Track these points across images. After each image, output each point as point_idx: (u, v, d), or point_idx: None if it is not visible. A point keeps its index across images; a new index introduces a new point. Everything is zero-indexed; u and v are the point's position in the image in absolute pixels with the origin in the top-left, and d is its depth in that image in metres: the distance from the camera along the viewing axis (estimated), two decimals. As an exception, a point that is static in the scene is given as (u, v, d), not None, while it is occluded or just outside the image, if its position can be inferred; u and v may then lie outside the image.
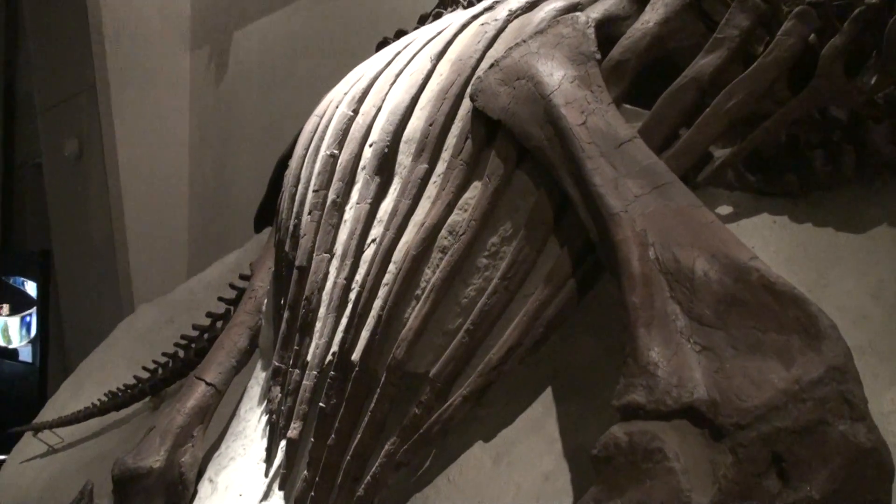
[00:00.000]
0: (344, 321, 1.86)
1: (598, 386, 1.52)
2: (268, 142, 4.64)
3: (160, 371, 3.31)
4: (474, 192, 1.71)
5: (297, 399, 1.96)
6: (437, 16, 2.55)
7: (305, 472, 1.85)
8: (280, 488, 1.98)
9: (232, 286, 3.14)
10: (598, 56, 1.62)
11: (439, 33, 2.11)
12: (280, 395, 2.10)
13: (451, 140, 1.80)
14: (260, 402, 2.33)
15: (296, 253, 2.16)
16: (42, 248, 6.67)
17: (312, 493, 1.81)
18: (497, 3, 2.03)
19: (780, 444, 1.06)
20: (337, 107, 2.28)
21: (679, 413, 1.15)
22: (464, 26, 2.03)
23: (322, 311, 1.97)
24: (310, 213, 2.13)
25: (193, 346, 3.21)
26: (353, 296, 1.87)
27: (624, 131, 1.48)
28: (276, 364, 2.16)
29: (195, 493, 2.25)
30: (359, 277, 1.87)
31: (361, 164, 2.04)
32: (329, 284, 1.98)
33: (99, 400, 3.44)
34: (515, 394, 1.62)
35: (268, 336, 2.47)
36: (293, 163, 2.40)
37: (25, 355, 6.32)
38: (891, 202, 1.48)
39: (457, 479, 1.62)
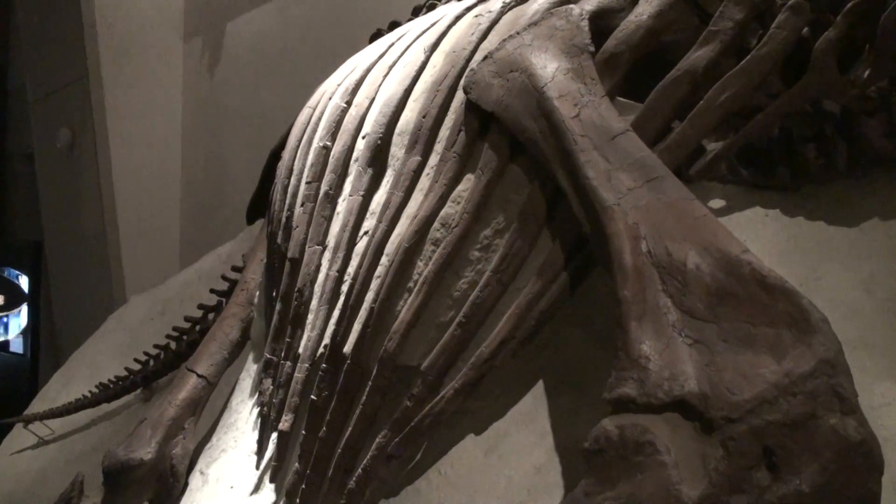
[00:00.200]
0: (336, 313, 1.86)
1: (590, 379, 1.52)
2: (260, 133, 4.63)
3: (152, 363, 3.30)
4: (467, 184, 1.70)
5: (289, 391, 1.96)
6: (431, 7, 2.54)
7: (297, 464, 1.85)
8: (271, 480, 1.98)
9: (224, 278, 3.13)
10: (592, 48, 1.62)
11: (433, 25, 2.10)
12: (272, 387, 2.10)
13: (445, 132, 1.80)
14: (251, 395, 2.33)
15: (288, 245, 2.15)
16: (34, 239, 6.64)
17: (303, 486, 1.81)
18: (491, -6, 2.02)
19: (771, 438, 1.06)
20: (330, 98, 2.27)
21: (670, 406, 1.15)
22: (458, 18, 2.03)
23: (314, 303, 1.97)
24: (302, 205, 2.13)
25: (185, 337, 3.20)
26: (345, 288, 1.86)
27: (617, 124, 1.48)
28: (268, 356, 2.16)
29: (186, 485, 2.25)
30: (351, 270, 1.87)
31: (354, 155, 2.03)
32: (321, 276, 1.97)
33: (90, 391, 3.44)
34: (507, 387, 1.62)
35: (260, 328, 2.46)
36: (286, 154, 2.40)
37: (17, 346, 6.31)
38: (883, 196, 1.49)
39: (448, 472, 1.62)
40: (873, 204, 1.49)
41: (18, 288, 6.36)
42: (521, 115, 1.61)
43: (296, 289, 2.04)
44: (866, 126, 1.47)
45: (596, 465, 1.16)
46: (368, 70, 2.20)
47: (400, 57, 2.10)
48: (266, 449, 2.06)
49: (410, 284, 1.71)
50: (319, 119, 2.25)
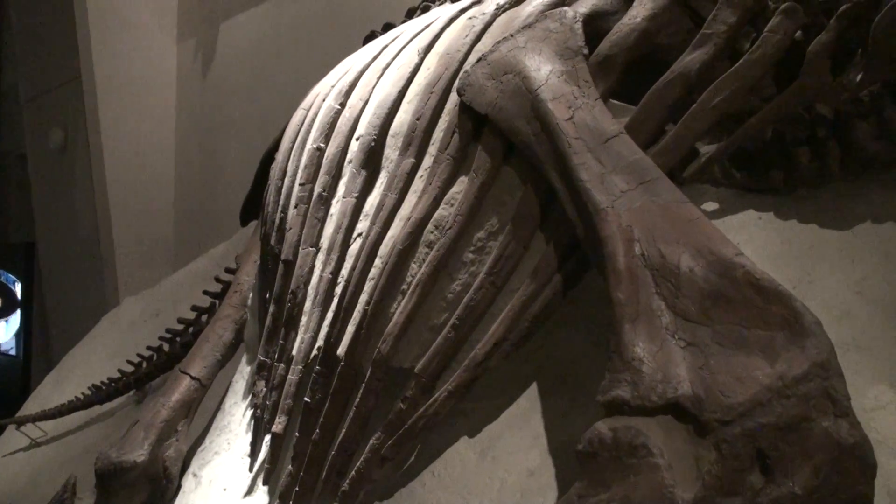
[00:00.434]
0: (329, 315, 1.86)
1: (584, 381, 1.52)
2: (254, 134, 4.63)
3: (145, 365, 3.29)
4: (461, 186, 1.70)
5: (282, 393, 1.95)
6: (425, 9, 2.54)
7: (290, 466, 1.85)
8: (264, 483, 1.97)
9: (217, 280, 3.13)
10: (586, 51, 1.62)
11: (427, 27, 2.10)
12: (265, 389, 2.10)
13: (438, 134, 1.80)
14: (245, 397, 2.32)
15: (282, 247, 2.15)
16: (26, 240, 6.62)
17: (297, 488, 1.80)
18: (485, -4, 2.02)
19: (764, 440, 1.06)
20: (324, 100, 2.27)
21: (664, 409, 1.16)
22: (451, 20, 2.03)
23: (307, 305, 1.96)
24: (296, 207, 2.12)
25: (178, 339, 3.19)
26: (338, 290, 1.86)
27: (611, 127, 1.48)
28: (261, 358, 2.15)
29: (179, 487, 2.25)
30: (345, 272, 1.87)
31: (348, 157, 2.03)
32: (315, 278, 1.97)
33: (83, 393, 3.43)
34: (501, 389, 1.62)
35: (253, 330, 2.46)
36: (279, 156, 2.39)
37: (9, 347, 6.28)
38: (875, 199, 1.49)
39: (442, 474, 1.62)
40: (866, 207, 1.49)
41: (13, 293, 6.33)
42: (514, 117, 1.61)
43: (289, 291, 2.04)
44: (859, 129, 1.47)
45: (589, 468, 1.16)
46: (362, 72, 2.19)
47: (394, 59, 2.10)
48: (259, 451, 2.06)
49: (404, 286, 1.71)
50: (313, 121, 2.25)
